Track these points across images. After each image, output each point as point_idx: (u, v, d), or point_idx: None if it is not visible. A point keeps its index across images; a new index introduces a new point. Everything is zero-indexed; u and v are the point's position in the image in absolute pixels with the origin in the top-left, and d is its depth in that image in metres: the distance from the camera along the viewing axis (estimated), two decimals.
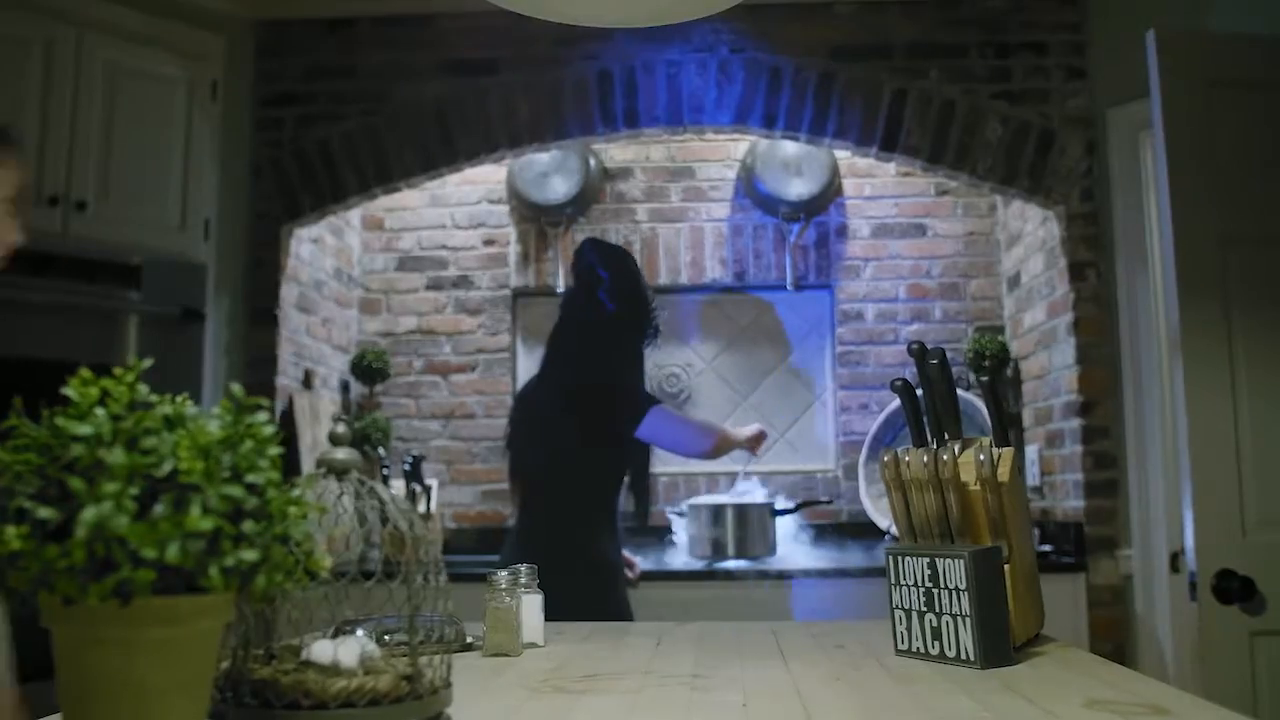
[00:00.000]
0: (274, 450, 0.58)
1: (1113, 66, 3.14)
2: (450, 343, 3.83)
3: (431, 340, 3.83)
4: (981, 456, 1.15)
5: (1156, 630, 2.95)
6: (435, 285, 3.85)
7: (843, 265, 3.81)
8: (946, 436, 1.23)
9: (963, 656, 1.11)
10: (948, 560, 1.12)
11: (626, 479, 2.69)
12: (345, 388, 3.73)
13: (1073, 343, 3.14)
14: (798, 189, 3.72)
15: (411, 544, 0.70)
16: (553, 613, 1.68)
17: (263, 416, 0.58)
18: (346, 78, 3.31)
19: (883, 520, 3.50)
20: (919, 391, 1.30)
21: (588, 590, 2.49)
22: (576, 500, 2.57)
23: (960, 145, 3.20)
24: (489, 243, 3.86)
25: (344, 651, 0.65)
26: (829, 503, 3.57)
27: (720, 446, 2.73)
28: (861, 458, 3.60)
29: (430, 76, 3.28)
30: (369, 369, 3.71)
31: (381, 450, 3.63)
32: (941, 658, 1.13)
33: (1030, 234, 3.48)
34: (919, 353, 1.22)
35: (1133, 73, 3.04)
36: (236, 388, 0.58)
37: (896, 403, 3.63)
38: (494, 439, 3.78)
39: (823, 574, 3.08)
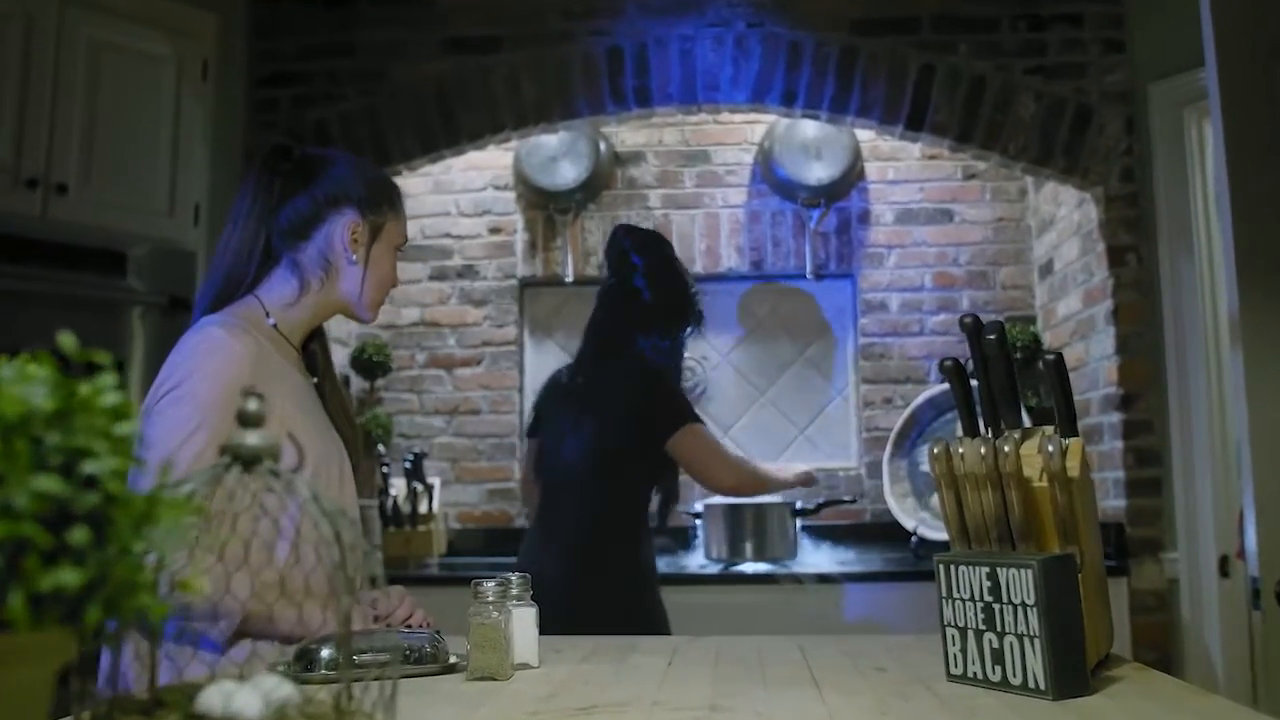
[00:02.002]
0: (127, 428, 0.41)
1: (1154, 38, 2.96)
2: (454, 335, 3.67)
3: (435, 332, 3.67)
4: (1050, 447, 0.97)
5: (1205, 638, 2.76)
6: (439, 275, 3.69)
7: (865, 253, 3.63)
8: (1003, 425, 1.06)
9: (1030, 685, 0.93)
10: (1012, 570, 0.95)
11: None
12: (345, 382, 3.58)
13: (1112, 332, 2.95)
14: (818, 173, 3.54)
15: (339, 554, 0.53)
16: (585, 623, 1.51)
17: (109, 380, 0.42)
18: (344, 56, 3.16)
19: (909, 521, 3.32)
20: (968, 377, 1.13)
21: (622, 598, 2.34)
22: (612, 501, 2.40)
23: (991, 123, 3.03)
24: (495, 231, 3.70)
25: (242, 700, 0.48)
26: (852, 502, 3.39)
27: (747, 487, 2.58)
28: (885, 455, 3.42)
29: (431, 55, 3.13)
30: (369, 363, 3.55)
31: (382, 448, 3.47)
32: (1004, 685, 0.96)
33: (1064, 218, 3.29)
34: (973, 327, 1.05)
35: (1175, 44, 2.86)
36: (67, 338, 0.42)
37: (922, 397, 3.45)
38: (500, 436, 3.62)
39: (847, 578, 2.91)
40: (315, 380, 1.52)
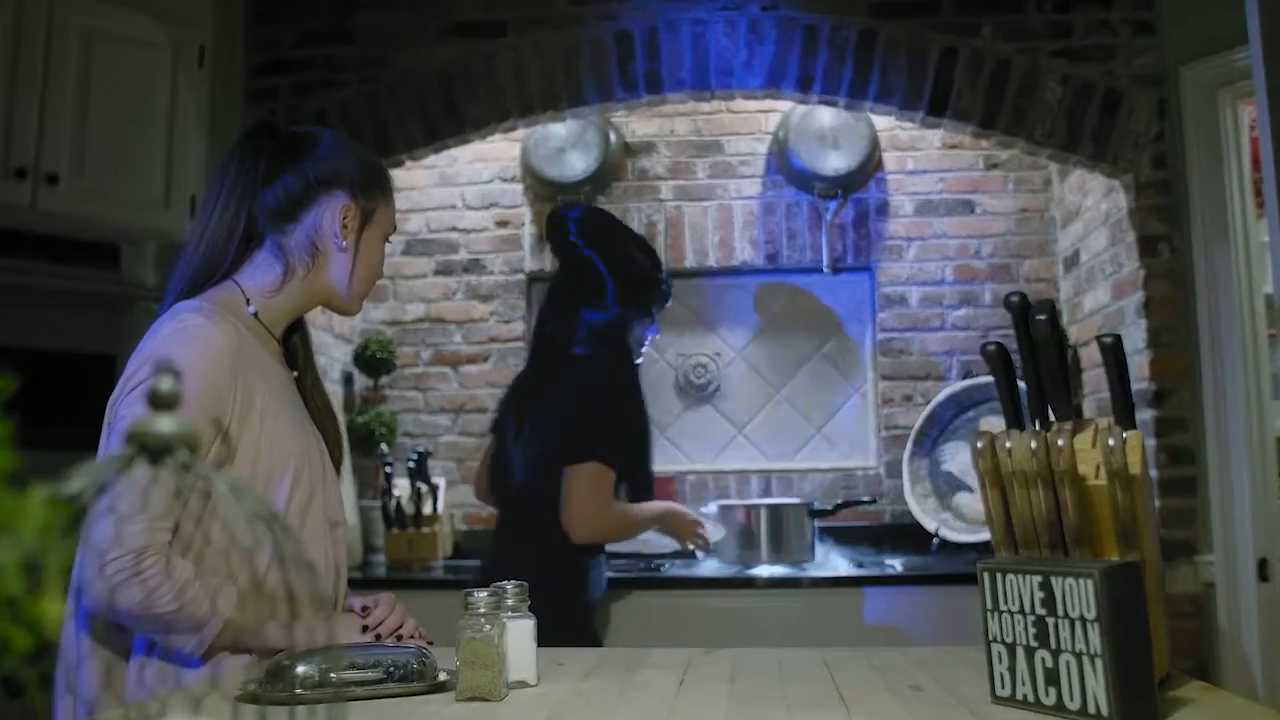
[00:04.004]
0: None
1: (1186, 19, 2.84)
2: (460, 331, 3.57)
3: (440, 329, 3.57)
4: (1111, 441, 0.86)
5: (1243, 645, 2.63)
6: (444, 270, 3.59)
7: (884, 245, 3.51)
8: (1052, 417, 0.95)
9: (1090, 710, 0.82)
10: (1069, 579, 0.83)
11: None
12: (348, 380, 3.48)
13: (1143, 325, 2.83)
14: (835, 163, 3.42)
15: (279, 563, 0.43)
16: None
17: None
18: (344, 43, 3.06)
19: (930, 522, 3.20)
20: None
21: (573, 615, 2.23)
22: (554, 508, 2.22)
23: (1016, 109, 2.90)
24: (502, 224, 3.60)
25: None
26: (871, 502, 3.27)
27: (595, 539, 2.29)
28: (905, 454, 3.30)
29: (434, 41, 3.02)
30: (373, 360, 3.45)
31: (385, 447, 3.37)
32: (1060, 710, 0.85)
33: (1091, 208, 3.17)
34: (1020, 307, 0.94)
35: (1209, 25, 2.74)
36: None
37: (943, 394, 3.33)
38: None
39: (867, 582, 2.79)
40: (296, 374, 1.43)
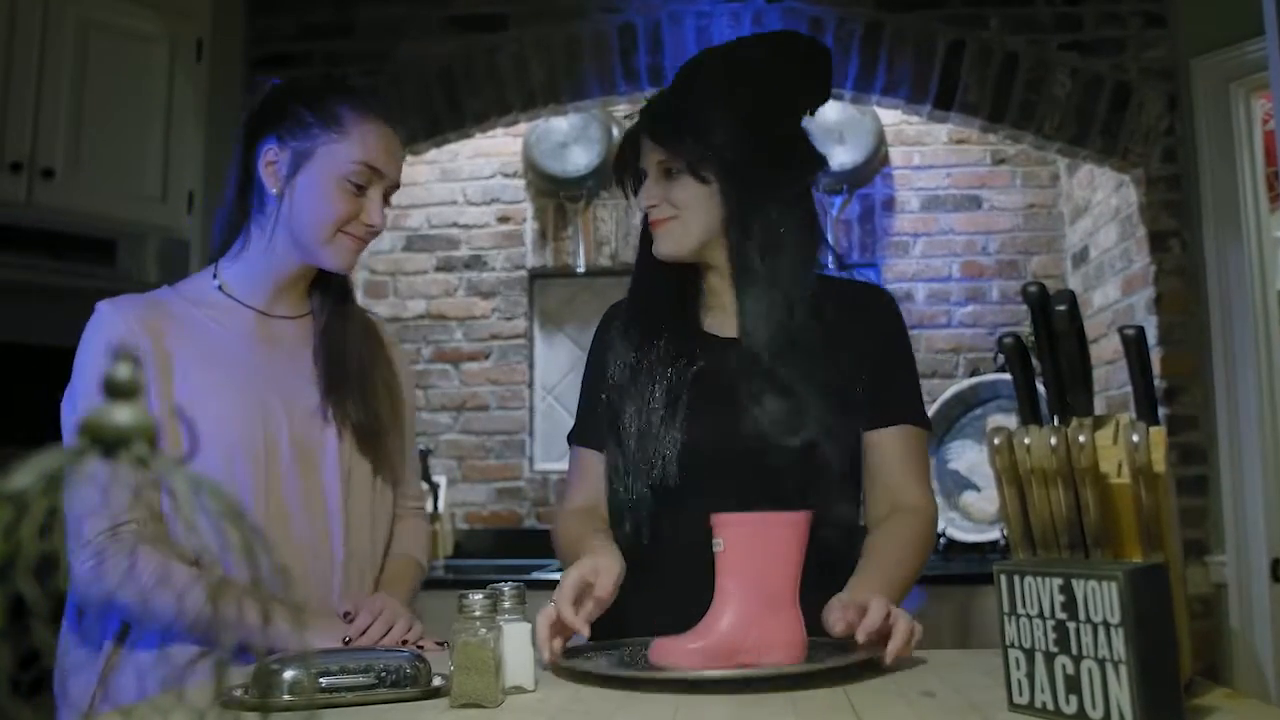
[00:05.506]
0: None
1: (1197, 11, 2.80)
2: (462, 328, 3.53)
3: (442, 325, 3.54)
4: (1135, 437, 0.82)
5: (1255, 647, 2.59)
6: (446, 266, 3.56)
7: (890, 241, 3.47)
8: (1072, 412, 0.91)
9: (1114, 719, 0.79)
10: (1091, 582, 0.79)
11: None
12: None
13: (1154, 322, 2.79)
14: (840, 158, 3.38)
15: (212, 563, 0.39)
16: None
17: None
18: (344, 36, 3.03)
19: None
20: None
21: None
22: None
23: (1024, 102, 2.87)
24: (504, 220, 3.56)
25: None
26: None
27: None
28: None
29: (435, 34, 2.99)
30: None
31: None
32: (1080, 719, 0.81)
33: (1101, 203, 3.13)
34: (1039, 296, 0.90)
35: (1220, 17, 2.70)
36: None
37: (950, 392, 3.29)
38: (510, 432, 3.48)
39: None
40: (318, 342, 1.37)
